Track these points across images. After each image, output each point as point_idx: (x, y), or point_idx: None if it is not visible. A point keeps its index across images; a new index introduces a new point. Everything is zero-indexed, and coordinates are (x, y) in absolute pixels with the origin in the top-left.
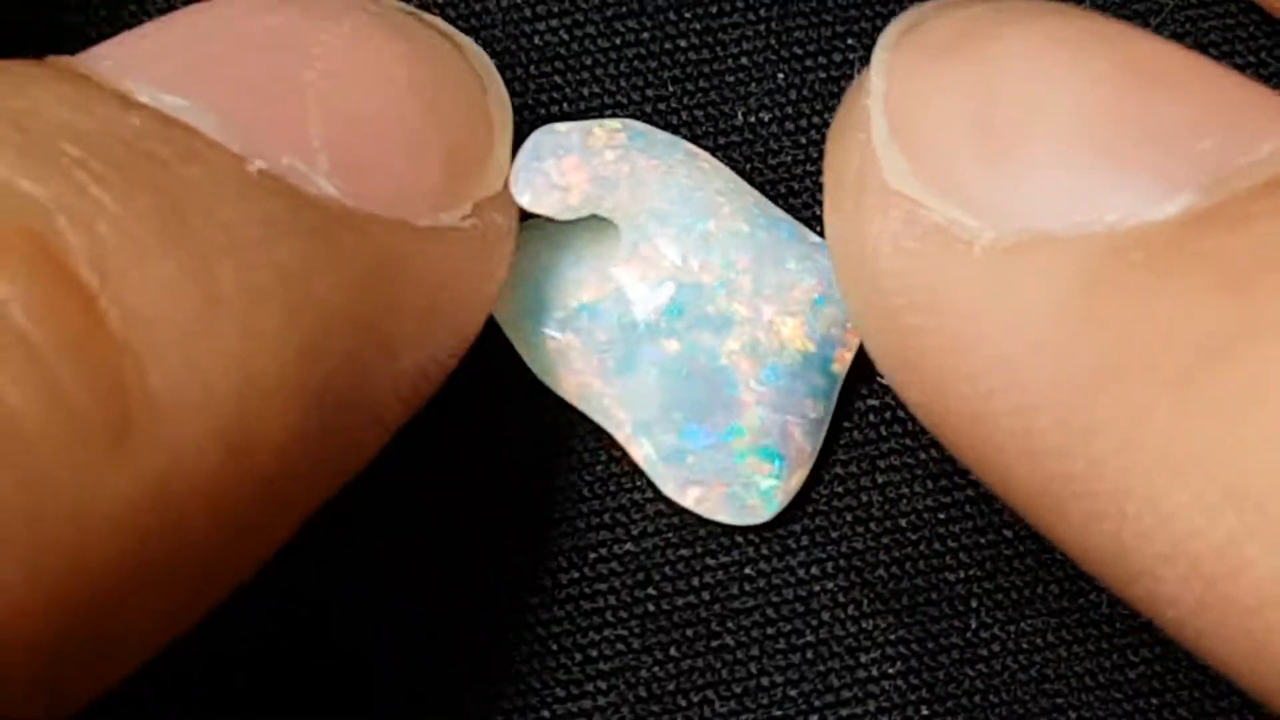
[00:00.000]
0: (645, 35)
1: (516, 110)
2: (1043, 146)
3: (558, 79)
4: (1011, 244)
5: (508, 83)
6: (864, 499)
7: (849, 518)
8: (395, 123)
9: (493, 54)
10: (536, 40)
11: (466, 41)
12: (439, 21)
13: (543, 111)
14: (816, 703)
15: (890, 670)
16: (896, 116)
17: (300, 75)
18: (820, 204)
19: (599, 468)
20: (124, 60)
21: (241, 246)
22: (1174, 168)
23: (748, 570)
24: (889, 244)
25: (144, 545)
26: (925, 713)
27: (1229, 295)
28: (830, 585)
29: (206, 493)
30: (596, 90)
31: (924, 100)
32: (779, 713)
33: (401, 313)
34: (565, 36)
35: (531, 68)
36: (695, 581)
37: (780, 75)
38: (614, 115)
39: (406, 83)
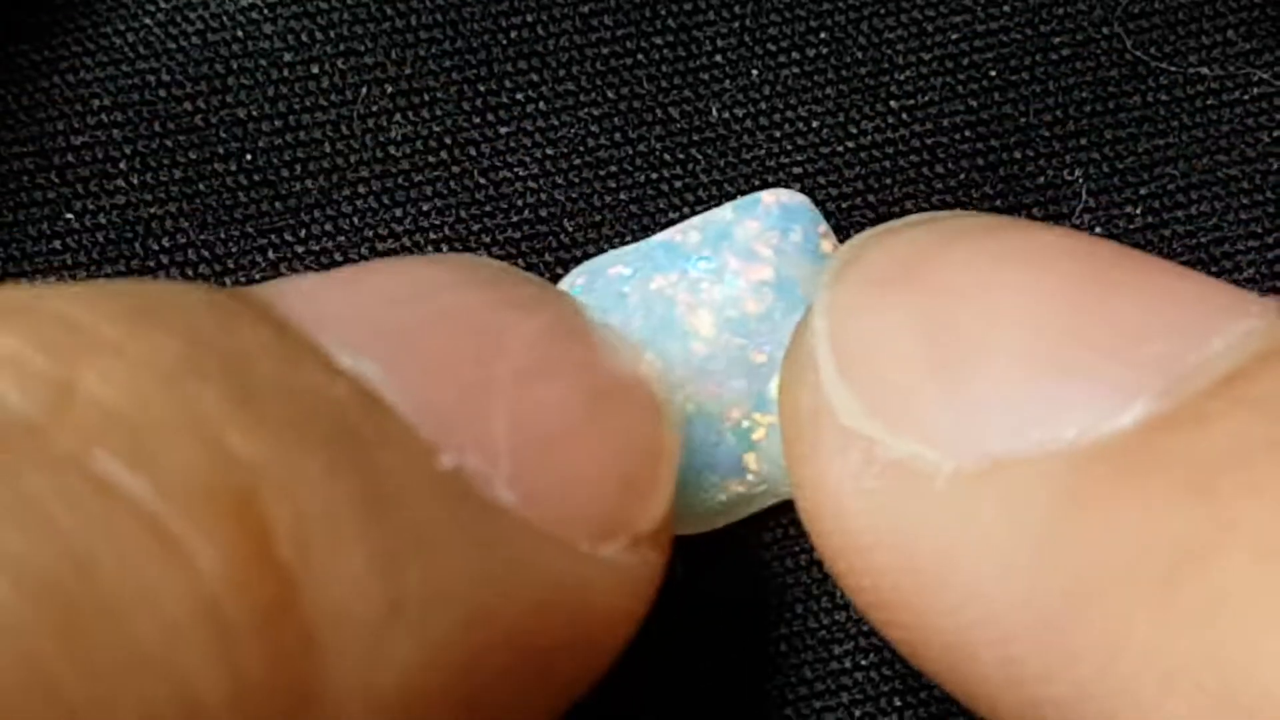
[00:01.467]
0: (620, 33)
1: (494, 109)
2: (994, 370)
3: (534, 76)
4: (973, 472)
5: (484, 80)
6: None
7: None
8: (575, 439)
9: (468, 51)
10: (513, 36)
11: (648, 358)
12: (619, 333)
13: (519, 110)
14: (790, 695)
15: (863, 662)
16: (844, 354)
17: (493, 368)
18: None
19: None
20: (317, 313)
21: (428, 548)
22: (1127, 376)
23: (720, 563)
24: (850, 484)
25: None
26: (898, 704)
27: (1194, 499)
28: (804, 578)
29: None
30: (572, 88)
31: (870, 335)
32: (752, 705)
33: (555, 635)
34: (541, 33)
35: (508, 65)
36: (667, 573)
37: (754, 72)
38: (589, 113)
39: (590, 396)
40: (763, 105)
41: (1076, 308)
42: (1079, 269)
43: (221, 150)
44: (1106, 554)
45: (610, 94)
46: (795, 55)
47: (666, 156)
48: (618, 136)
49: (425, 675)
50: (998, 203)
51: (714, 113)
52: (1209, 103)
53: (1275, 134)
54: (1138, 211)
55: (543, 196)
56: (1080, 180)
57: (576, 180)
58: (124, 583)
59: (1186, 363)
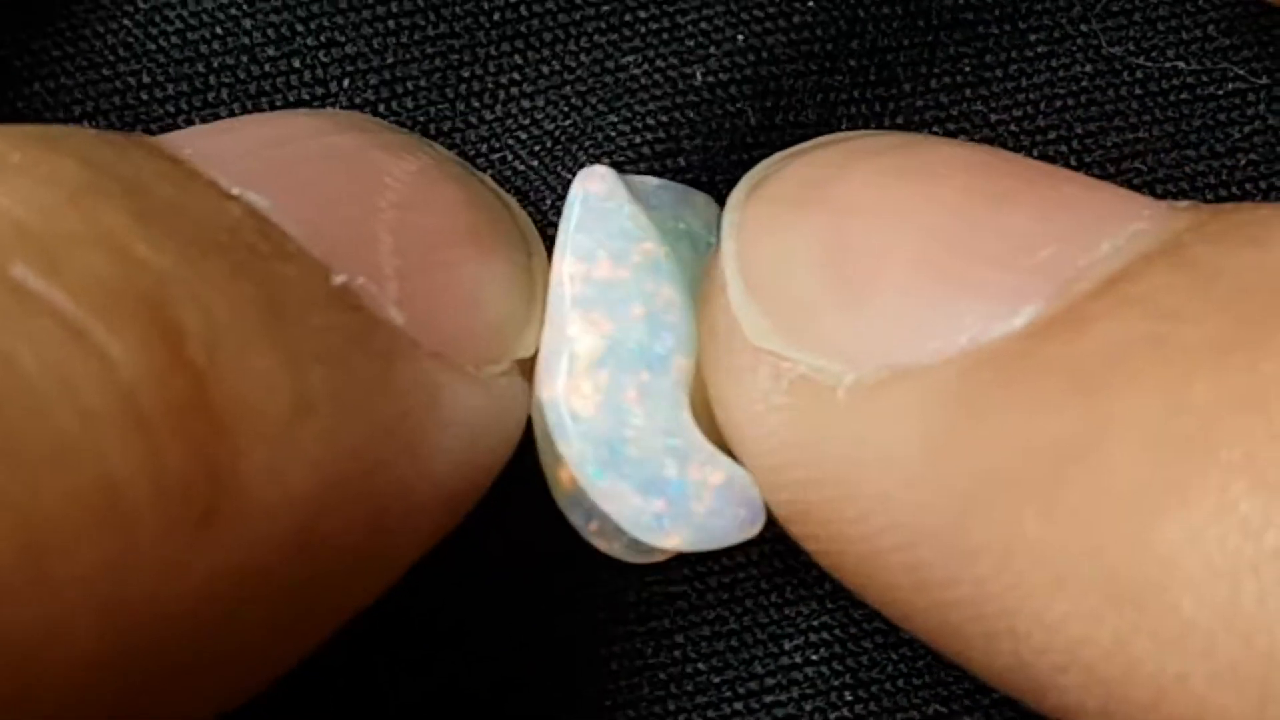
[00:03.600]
0: (605, 8)
1: (478, 94)
2: (892, 282)
3: (517, 59)
4: (873, 383)
5: (468, 65)
6: None
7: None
8: (456, 269)
9: (450, 36)
10: (495, 19)
11: (515, 205)
12: (489, 181)
13: (503, 94)
14: (740, 690)
15: (814, 657)
16: (751, 274)
17: (374, 200)
18: None
19: None
20: (205, 152)
21: (329, 354)
22: (1017, 281)
23: (670, 561)
24: (761, 402)
25: (207, 629)
26: (849, 698)
27: (1078, 398)
28: (754, 572)
29: (272, 587)
30: (557, 67)
31: (775, 255)
32: (703, 699)
33: (444, 447)
34: (524, 13)
35: (491, 48)
36: (618, 572)
37: (740, 37)
38: (574, 89)
39: (468, 232)
40: (749, 71)
41: (971, 219)
42: (975, 182)
43: None
44: (997, 457)
45: (596, 69)
46: (781, 22)
47: (650, 119)
48: (602, 108)
49: (332, 473)
50: None
51: (699, 78)
52: (1182, 97)
53: (1246, 130)
54: None
55: (530, 179)
56: None
57: (562, 155)
58: (43, 376)
59: (1076, 266)
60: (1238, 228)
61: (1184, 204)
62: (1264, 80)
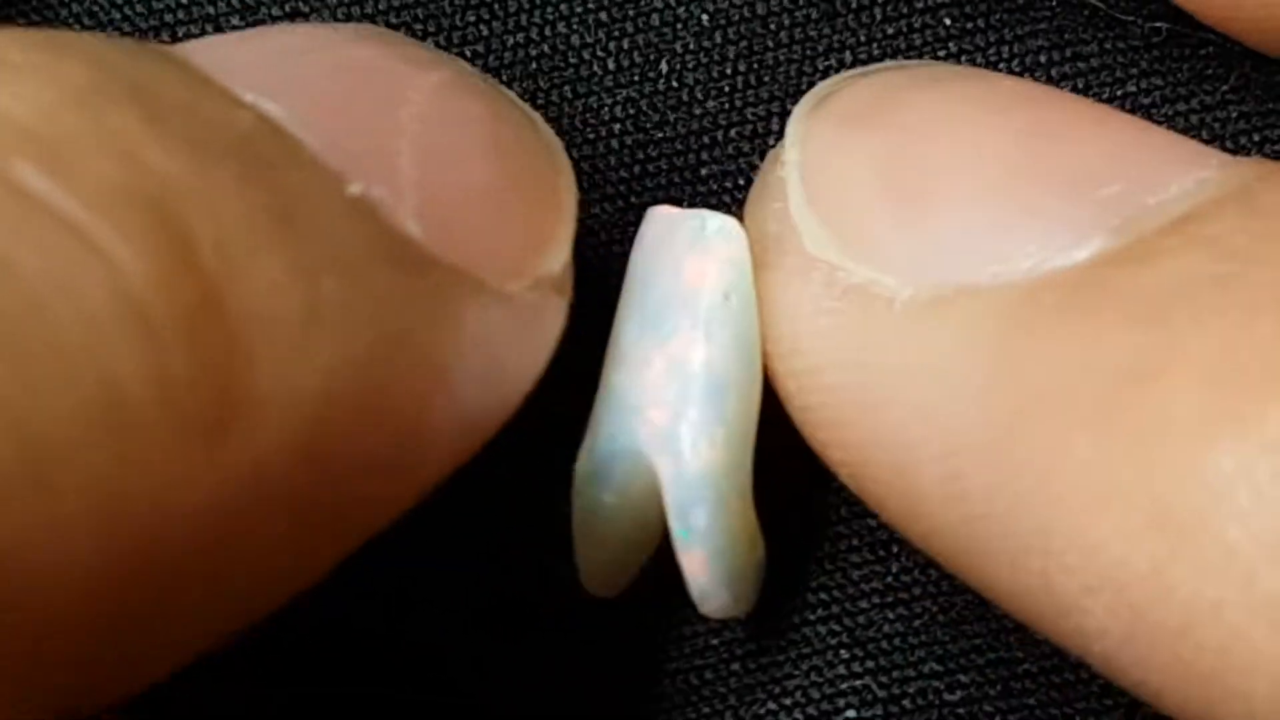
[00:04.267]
0: None
1: None
2: (955, 203)
3: (483, 29)
4: (929, 298)
5: (430, 35)
6: (781, 450)
7: (765, 469)
8: (478, 182)
9: (416, 5)
10: None
11: (542, 122)
12: (514, 96)
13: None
14: (738, 651)
15: (811, 616)
16: (812, 184)
17: (395, 112)
18: (742, 155)
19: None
20: (220, 61)
21: (342, 263)
22: (1084, 214)
23: None
24: (809, 306)
25: (214, 544)
26: (845, 656)
27: (1141, 327)
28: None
29: (282, 501)
30: (520, 40)
31: (838, 166)
32: (700, 661)
33: (464, 364)
34: None
35: (456, 17)
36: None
37: (704, 17)
38: (538, 65)
39: (492, 145)
40: (715, 55)
41: (1039, 148)
42: (1042, 114)
43: None
44: (1053, 376)
45: (560, 44)
46: (746, 12)
47: (617, 111)
48: (566, 91)
49: (344, 383)
50: None
51: (663, 65)
52: (1169, 52)
53: (1232, 83)
54: None
55: None
56: None
57: None
58: (45, 279)
59: (1143, 204)
60: None
61: (1250, 158)
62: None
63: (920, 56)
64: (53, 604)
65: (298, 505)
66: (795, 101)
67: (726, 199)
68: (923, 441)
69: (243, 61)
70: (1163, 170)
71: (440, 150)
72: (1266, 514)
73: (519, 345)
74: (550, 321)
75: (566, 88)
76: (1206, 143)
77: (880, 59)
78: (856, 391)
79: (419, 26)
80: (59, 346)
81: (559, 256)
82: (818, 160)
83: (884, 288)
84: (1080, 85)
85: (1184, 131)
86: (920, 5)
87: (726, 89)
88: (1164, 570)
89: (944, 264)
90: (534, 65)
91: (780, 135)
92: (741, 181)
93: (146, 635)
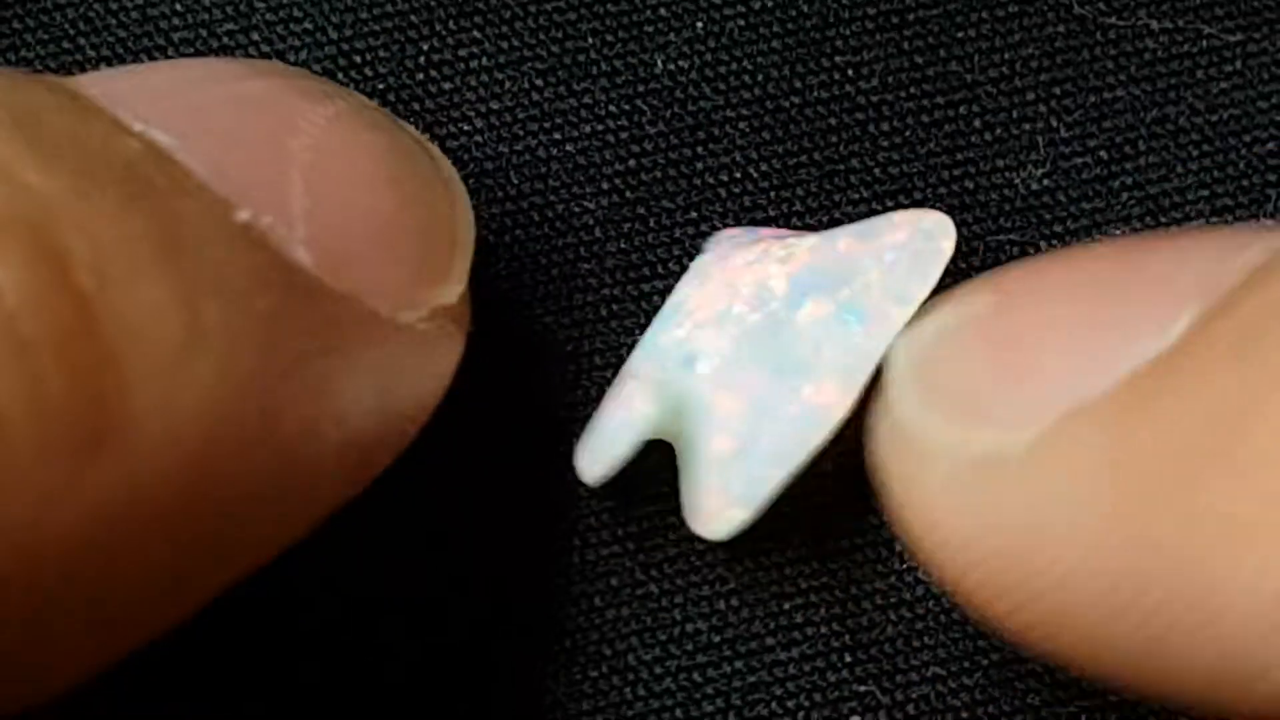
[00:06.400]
0: None
1: (437, 66)
2: (1053, 347)
3: (476, 33)
4: (1043, 434)
5: (425, 38)
6: None
7: None
8: (371, 213)
9: (410, 10)
10: None
11: (440, 155)
12: (413, 130)
13: (462, 66)
14: (741, 649)
15: (815, 617)
16: (922, 384)
17: (286, 143)
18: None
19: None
20: (111, 91)
21: (226, 289)
22: (1169, 307)
23: (671, 519)
24: (941, 491)
25: (91, 566)
26: (849, 659)
27: (1240, 360)
28: (755, 532)
29: (163, 525)
30: (516, 44)
31: (941, 361)
32: (702, 659)
33: (355, 393)
34: None
35: (450, 23)
36: (619, 532)
37: (699, 24)
38: (533, 67)
39: (385, 178)
40: (708, 57)
41: (1115, 278)
42: (1108, 250)
43: None
44: (1169, 437)
45: (555, 49)
46: (740, 7)
47: (611, 109)
48: (561, 90)
49: (226, 406)
50: (942, 158)
51: (659, 65)
52: (1158, 55)
53: (1224, 85)
54: (1087, 162)
55: (487, 151)
56: (1027, 134)
57: (521, 134)
58: None
59: (1228, 268)
60: None
61: None
62: (1237, 36)
63: (911, 63)
64: None
65: (178, 529)
66: (789, 100)
67: (723, 194)
68: (1075, 569)
69: (135, 92)
70: (1232, 245)
71: (332, 181)
72: None
73: (413, 375)
74: (446, 352)
75: (562, 86)
76: (1197, 145)
77: (872, 64)
78: (1006, 553)
79: (413, 32)
80: None
81: (454, 288)
82: (928, 366)
83: (1005, 445)
84: (1069, 91)
85: (1175, 135)
86: (910, 15)
87: (722, 87)
88: None
89: (1053, 403)
90: (533, 64)
91: (774, 132)
92: (738, 175)
93: (22, 654)
